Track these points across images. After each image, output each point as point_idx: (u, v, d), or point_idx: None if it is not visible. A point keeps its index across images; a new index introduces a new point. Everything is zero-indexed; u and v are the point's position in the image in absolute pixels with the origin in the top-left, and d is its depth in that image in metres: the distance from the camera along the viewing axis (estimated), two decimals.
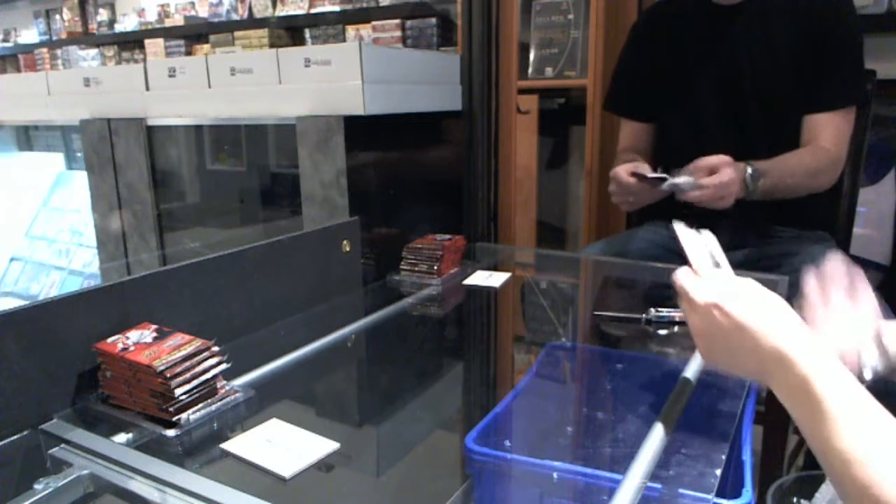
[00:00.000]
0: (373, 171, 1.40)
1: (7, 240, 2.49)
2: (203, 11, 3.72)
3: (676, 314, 1.10)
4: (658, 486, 0.65)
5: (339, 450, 0.73)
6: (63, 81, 1.95)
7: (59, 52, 4.40)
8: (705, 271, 0.71)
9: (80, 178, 2.12)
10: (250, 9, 3.48)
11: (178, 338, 0.82)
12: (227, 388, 0.84)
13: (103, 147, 1.82)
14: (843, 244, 1.51)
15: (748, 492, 0.69)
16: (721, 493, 0.65)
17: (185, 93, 1.61)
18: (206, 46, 3.59)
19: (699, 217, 1.47)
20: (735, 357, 0.64)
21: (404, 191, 1.52)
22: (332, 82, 1.35)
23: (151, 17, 3.98)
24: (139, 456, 0.70)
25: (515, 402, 0.90)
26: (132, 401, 0.79)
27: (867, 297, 0.75)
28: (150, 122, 1.72)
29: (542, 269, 1.64)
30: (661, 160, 1.38)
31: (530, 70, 2.47)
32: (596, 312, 1.22)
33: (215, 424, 0.79)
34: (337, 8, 3.13)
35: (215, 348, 0.82)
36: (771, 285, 0.70)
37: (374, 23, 3.00)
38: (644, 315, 1.11)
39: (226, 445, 0.73)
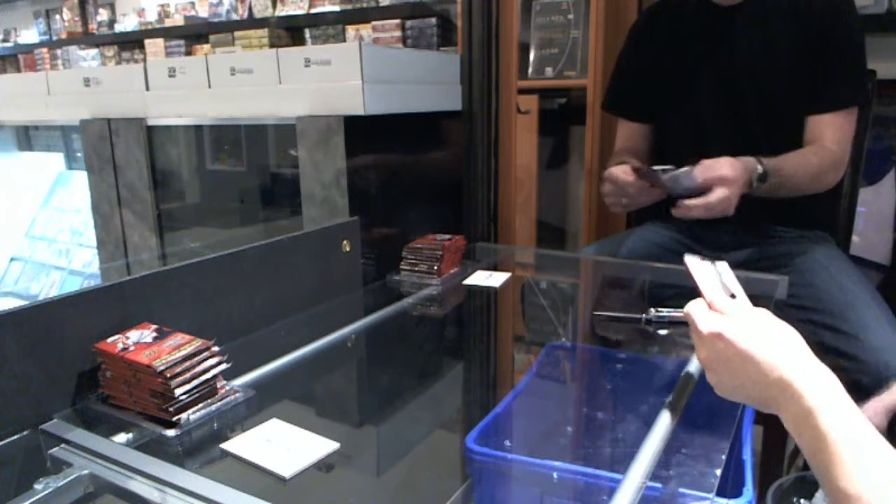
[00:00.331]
0: (373, 171, 1.40)
1: (7, 240, 2.49)
2: (203, 11, 3.72)
3: (676, 314, 1.10)
4: (658, 486, 0.65)
5: (339, 450, 0.73)
6: (63, 81, 1.95)
7: (59, 52, 4.40)
8: (718, 303, 0.70)
9: (80, 178, 2.12)
10: (250, 9, 3.48)
11: (178, 338, 0.82)
12: (227, 388, 0.84)
13: (103, 147, 1.82)
14: (843, 244, 1.51)
15: (748, 491, 0.69)
16: (721, 493, 0.66)
17: (185, 93, 1.61)
18: (206, 46, 3.59)
19: (699, 218, 1.48)
20: (742, 387, 0.64)
21: (404, 191, 1.52)
22: (332, 82, 1.35)
23: (151, 17, 3.98)
24: (139, 456, 0.70)
25: (515, 402, 0.90)
26: (132, 401, 0.79)
27: None
28: (150, 122, 1.72)
29: (542, 269, 1.64)
30: (659, 160, 1.39)
31: (530, 70, 2.47)
32: (596, 312, 1.22)
33: (215, 424, 0.79)
34: (337, 8, 3.13)
35: (215, 348, 0.82)
36: (771, 285, 0.70)
37: (374, 23, 3.00)
38: (644, 315, 1.11)
39: (226, 445, 0.73)
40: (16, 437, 0.76)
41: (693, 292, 0.73)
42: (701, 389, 0.84)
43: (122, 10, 4.23)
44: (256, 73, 1.47)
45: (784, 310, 0.65)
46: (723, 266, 0.77)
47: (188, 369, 0.78)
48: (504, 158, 1.68)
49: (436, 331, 1.26)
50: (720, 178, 1.17)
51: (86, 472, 0.68)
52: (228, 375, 0.84)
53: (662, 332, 1.09)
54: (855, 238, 1.64)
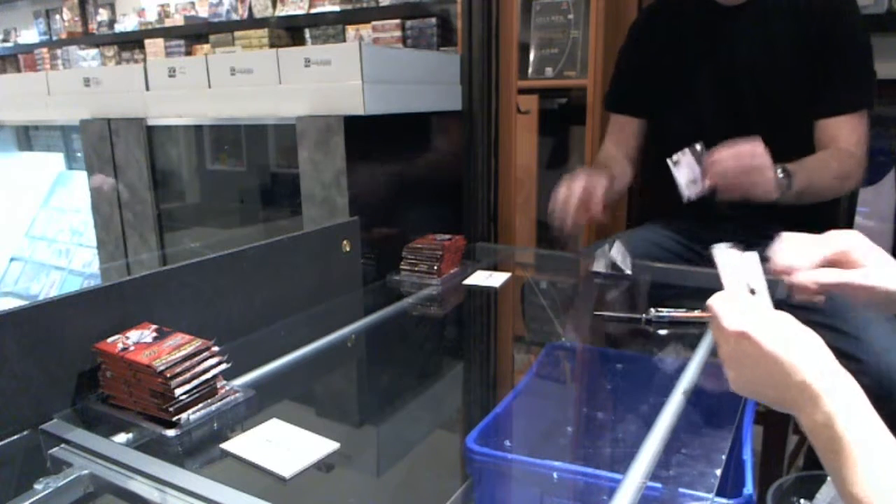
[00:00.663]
0: (373, 170, 1.40)
1: (7, 240, 2.49)
2: (203, 11, 3.72)
3: (676, 314, 1.10)
4: (658, 486, 0.65)
5: (339, 450, 0.73)
6: (63, 81, 1.95)
7: (59, 52, 4.40)
8: (738, 298, 0.69)
9: (80, 178, 2.12)
10: (250, 9, 3.48)
11: (178, 338, 0.82)
12: (227, 388, 0.84)
13: (103, 147, 1.82)
14: None
15: (749, 491, 0.69)
16: (721, 493, 0.66)
17: (185, 93, 1.61)
18: (206, 46, 3.60)
19: (699, 218, 1.48)
20: (763, 387, 0.64)
21: (404, 191, 1.52)
22: (332, 82, 1.35)
23: (151, 17, 3.98)
24: (139, 456, 0.70)
25: (515, 403, 0.90)
26: (132, 401, 0.79)
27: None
28: (150, 122, 1.72)
29: (542, 269, 1.64)
30: (658, 158, 1.39)
31: (530, 70, 2.47)
32: (596, 312, 1.22)
33: (215, 424, 0.79)
34: (337, 8, 3.13)
35: (215, 348, 0.82)
36: (771, 286, 0.70)
37: (374, 23, 3.00)
38: (644, 315, 1.11)
39: (226, 445, 0.73)
40: (16, 437, 0.76)
41: (689, 291, 0.73)
42: (701, 389, 0.84)
43: (122, 10, 4.23)
44: (256, 73, 1.47)
45: (784, 310, 0.65)
46: (751, 258, 0.75)
47: (188, 369, 0.78)
48: (504, 158, 1.68)
49: (436, 331, 1.26)
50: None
51: (86, 472, 0.68)
52: (228, 375, 0.84)
53: (662, 332, 1.09)
54: None
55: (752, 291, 0.71)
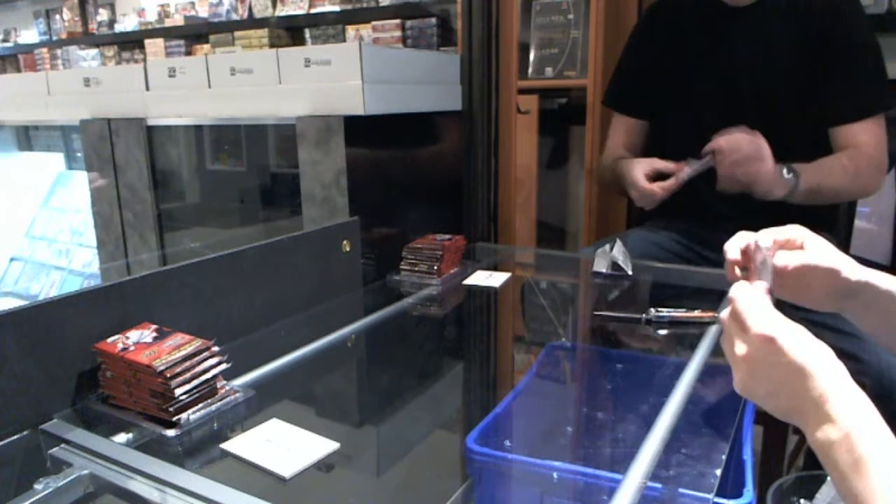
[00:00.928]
0: (373, 171, 1.40)
1: (7, 240, 2.49)
2: (203, 11, 3.72)
3: (676, 314, 1.10)
4: (658, 486, 0.65)
5: (339, 450, 0.73)
6: (63, 81, 1.95)
7: (59, 52, 4.40)
8: (764, 298, 0.67)
9: (80, 178, 2.11)
10: (250, 9, 3.48)
11: (178, 338, 0.82)
12: (227, 388, 0.84)
13: (103, 147, 1.82)
14: (844, 244, 1.51)
15: (749, 492, 0.69)
16: (721, 493, 0.65)
17: (185, 93, 1.61)
18: (206, 46, 3.60)
19: (699, 218, 1.48)
20: (774, 395, 0.62)
21: (404, 191, 1.52)
22: (332, 82, 1.35)
23: (151, 17, 3.98)
24: (139, 456, 0.70)
25: (515, 402, 0.90)
26: (132, 401, 0.79)
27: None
28: (150, 122, 1.72)
29: (542, 269, 1.64)
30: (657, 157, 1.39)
31: (530, 70, 2.47)
32: (596, 312, 1.22)
33: (215, 424, 0.79)
34: (337, 8, 3.13)
35: (215, 348, 0.82)
36: None
37: (374, 23, 3.00)
38: (644, 315, 1.11)
39: (226, 445, 0.73)
40: (16, 437, 0.76)
41: (689, 291, 0.72)
42: (701, 389, 0.84)
43: (122, 10, 4.23)
44: (256, 73, 1.47)
45: (785, 309, 0.64)
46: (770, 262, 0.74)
47: (188, 369, 0.78)
48: (504, 158, 1.68)
49: (436, 331, 1.26)
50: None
51: (86, 472, 0.68)
52: (228, 375, 0.84)
53: (662, 332, 1.09)
54: (856, 235, 1.64)
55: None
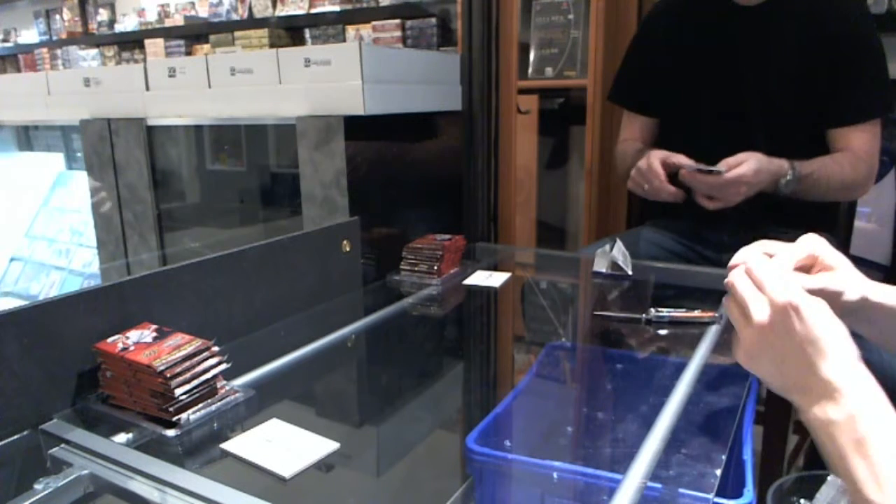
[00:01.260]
0: (373, 171, 1.40)
1: (7, 240, 2.48)
2: (203, 11, 3.72)
3: (676, 314, 1.10)
4: (658, 486, 0.65)
5: (339, 450, 0.73)
6: (63, 81, 1.95)
7: (59, 52, 4.40)
8: (785, 267, 0.66)
9: (80, 178, 2.11)
10: (250, 9, 3.48)
11: (178, 338, 0.82)
12: (227, 388, 0.84)
13: (103, 147, 1.82)
14: (844, 244, 1.51)
15: (749, 492, 0.69)
16: (721, 493, 0.65)
17: (185, 93, 1.61)
18: (206, 46, 3.60)
19: (699, 218, 1.48)
20: (780, 365, 0.61)
21: (404, 191, 1.52)
22: (332, 82, 1.35)
23: (151, 17, 3.98)
24: (139, 456, 0.70)
25: (515, 402, 0.90)
26: (132, 401, 0.79)
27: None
28: (150, 122, 1.72)
29: (542, 269, 1.64)
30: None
31: (530, 70, 2.47)
32: (596, 312, 1.22)
33: (215, 424, 0.79)
34: (337, 8, 3.13)
35: (215, 348, 0.82)
36: None
37: (374, 23, 3.00)
38: (644, 315, 1.11)
39: (226, 445, 0.73)
40: (16, 437, 0.76)
41: (689, 291, 0.72)
42: (701, 389, 0.84)
43: (122, 10, 4.24)
44: (256, 73, 1.47)
45: None
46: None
47: (188, 369, 0.78)
48: (504, 158, 1.68)
49: (436, 331, 1.26)
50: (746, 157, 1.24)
51: (86, 472, 0.68)
52: (228, 375, 0.84)
53: (662, 332, 1.09)
54: (856, 236, 1.64)
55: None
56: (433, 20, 2.87)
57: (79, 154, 2.24)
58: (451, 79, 1.61)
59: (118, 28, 4.14)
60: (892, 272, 1.90)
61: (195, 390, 0.78)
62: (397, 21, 2.93)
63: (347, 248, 1.26)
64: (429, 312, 1.29)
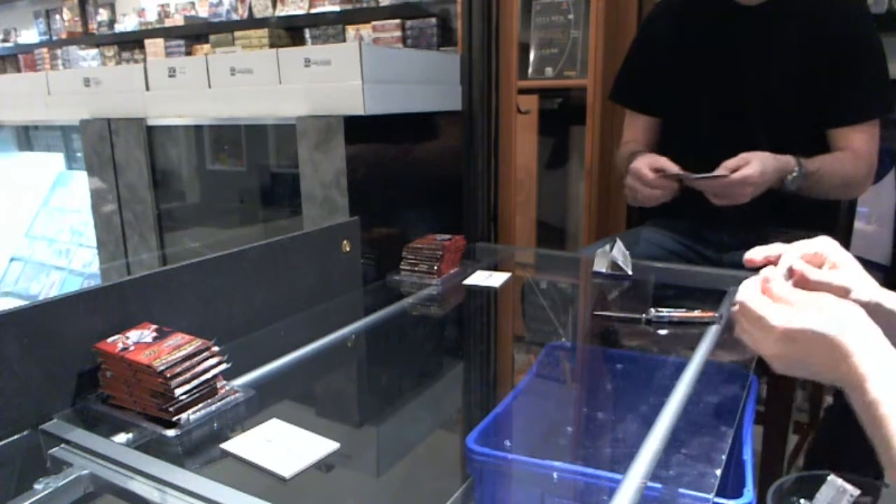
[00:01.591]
0: (373, 171, 1.40)
1: (7, 240, 2.48)
2: (203, 11, 3.72)
3: (676, 314, 1.10)
4: (658, 486, 0.65)
5: (339, 450, 0.73)
6: (63, 81, 1.95)
7: (59, 52, 4.41)
8: (779, 284, 0.69)
9: (80, 178, 2.12)
10: (250, 9, 3.48)
11: (178, 338, 0.82)
12: (227, 388, 0.84)
13: (103, 147, 1.82)
14: (844, 244, 1.51)
15: (749, 492, 0.69)
16: (721, 493, 0.65)
17: (185, 93, 1.61)
18: (206, 46, 3.60)
19: (699, 218, 1.48)
20: (814, 366, 0.64)
21: (404, 191, 1.52)
22: (331, 82, 1.35)
23: (151, 17, 3.98)
24: (139, 456, 0.70)
25: (515, 402, 0.90)
26: (132, 401, 0.79)
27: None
28: (150, 122, 1.72)
29: (542, 269, 1.64)
30: (661, 154, 1.39)
31: (530, 70, 2.47)
32: (596, 312, 1.22)
33: (215, 424, 0.79)
34: (337, 8, 3.13)
35: (215, 348, 0.82)
36: None
37: (374, 23, 3.00)
38: (644, 315, 1.11)
39: (226, 445, 0.73)
40: (16, 437, 0.76)
41: (689, 291, 0.73)
42: (701, 389, 0.84)
43: (122, 10, 4.24)
44: (256, 73, 1.47)
45: None
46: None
47: (188, 369, 0.78)
48: (504, 158, 1.68)
49: (436, 331, 1.26)
50: (748, 158, 1.24)
51: (86, 472, 0.68)
52: (228, 375, 0.84)
53: (662, 332, 1.09)
54: (856, 236, 1.64)
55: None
56: (433, 20, 2.87)
57: (79, 154, 2.24)
58: (451, 79, 1.61)
59: (118, 28, 4.14)
60: (893, 272, 1.90)
61: (195, 390, 0.78)
62: (397, 21, 2.93)
63: (347, 248, 1.26)
64: (429, 312, 1.29)
